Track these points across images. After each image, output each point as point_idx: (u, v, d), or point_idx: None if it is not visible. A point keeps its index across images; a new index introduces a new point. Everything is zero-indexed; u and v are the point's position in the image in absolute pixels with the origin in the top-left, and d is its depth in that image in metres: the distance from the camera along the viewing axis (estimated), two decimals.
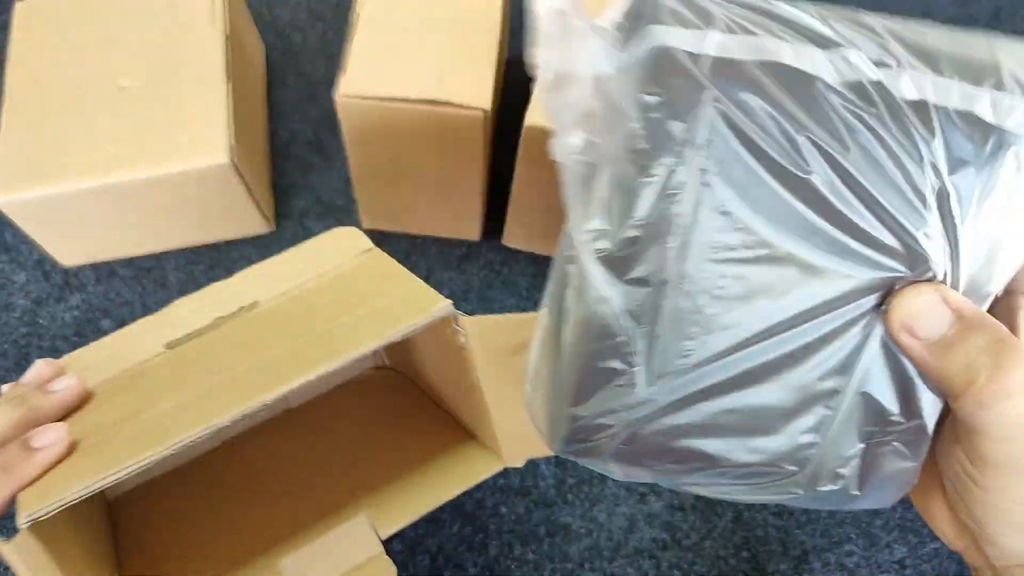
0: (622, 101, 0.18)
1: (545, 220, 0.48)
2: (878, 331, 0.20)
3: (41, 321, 0.50)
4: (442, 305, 0.28)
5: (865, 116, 0.19)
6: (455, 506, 0.46)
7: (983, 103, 0.20)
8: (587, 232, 0.19)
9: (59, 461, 0.24)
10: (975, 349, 0.19)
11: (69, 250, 0.49)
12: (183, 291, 0.51)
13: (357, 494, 0.32)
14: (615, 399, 0.21)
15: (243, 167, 0.45)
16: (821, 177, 0.19)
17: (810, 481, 0.22)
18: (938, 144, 0.19)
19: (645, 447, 0.22)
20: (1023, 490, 0.20)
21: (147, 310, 0.50)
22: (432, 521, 0.45)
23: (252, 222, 0.51)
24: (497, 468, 0.32)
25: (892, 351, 0.20)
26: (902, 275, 0.20)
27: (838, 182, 0.19)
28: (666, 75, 0.18)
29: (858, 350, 0.20)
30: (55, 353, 0.49)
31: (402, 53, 0.41)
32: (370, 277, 0.32)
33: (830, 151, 0.19)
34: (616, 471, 0.24)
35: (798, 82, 0.19)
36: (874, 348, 0.20)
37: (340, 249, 0.35)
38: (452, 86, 0.40)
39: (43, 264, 0.51)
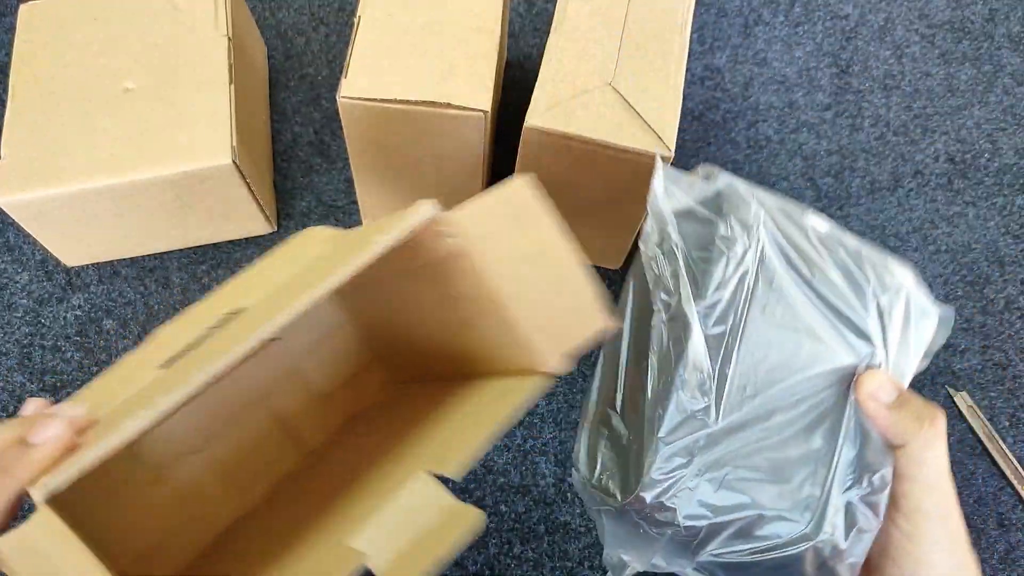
0: (708, 214, 0.30)
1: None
2: (850, 407, 0.29)
3: (44, 321, 0.50)
4: (424, 208, 0.25)
5: (837, 254, 0.30)
6: None
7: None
8: (698, 303, 0.28)
9: (61, 457, 0.22)
10: (915, 408, 0.28)
11: (72, 250, 0.49)
12: (186, 291, 0.51)
13: (402, 458, 0.29)
14: (695, 429, 0.28)
15: (245, 168, 0.46)
16: (818, 280, 0.29)
17: (812, 531, 0.29)
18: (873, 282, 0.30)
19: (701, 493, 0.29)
20: (945, 540, 0.28)
21: (149, 310, 0.50)
22: None
23: (254, 222, 0.51)
24: (544, 382, 0.27)
25: (860, 425, 0.29)
26: (862, 361, 0.29)
27: (824, 289, 0.29)
28: (735, 200, 0.30)
29: (838, 417, 0.29)
30: (57, 352, 0.49)
31: (403, 55, 0.41)
32: (348, 240, 0.30)
33: (812, 268, 0.29)
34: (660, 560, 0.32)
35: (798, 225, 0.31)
36: (849, 417, 0.29)
37: (314, 240, 0.33)
38: (452, 88, 0.40)
39: (46, 264, 0.51)
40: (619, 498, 0.31)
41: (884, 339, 0.29)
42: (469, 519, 0.22)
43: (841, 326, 0.29)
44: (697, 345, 0.28)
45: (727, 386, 0.28)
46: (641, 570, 0.34)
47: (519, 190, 0.26)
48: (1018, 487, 0.48)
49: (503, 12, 0.44)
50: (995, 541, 0.47)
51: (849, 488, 0.29)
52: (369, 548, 0.22)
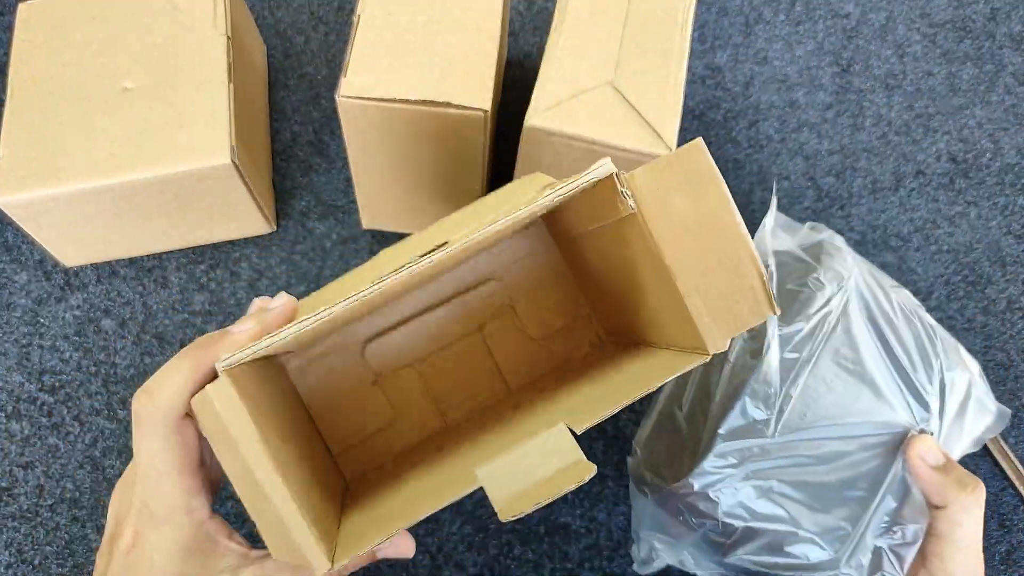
0: (807, 257, 0.33)
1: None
2: (898, 462, 0.31)
3: (42, 320, 0.50)
4: (602, 164, 0.26)
5: (914, 324, 0.33)
6: (455, 505, 0.46)
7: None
8: (781, 327, 0.31)
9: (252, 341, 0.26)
10: (959, 475, 0.30)
11: (70, 250, 0.49)
12: (184, 291, 0.51)
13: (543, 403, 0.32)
14: (751, 435, 0.31)
15: (244, 168, 0.45)
16: (892, 340, 0.32)
17: (838, 562, 0.31)
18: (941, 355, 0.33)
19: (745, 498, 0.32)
20: None
21: (148, 310, 0.50)
22: (432, 520, 0.45)
23: (253, 222, 0.51)
24: (701, 361, 0.26)
25: (904, 480, 0.31)
26: (916, 425, 0.31)
27: (897, 350, 0.32)
28: (833, 252, 0.33)
29: (885, 468, 0.31)
30: (56, 352, 0.49)
31: (403, 54, 0.41)
32: (542, 183, 0.31)
33: (890, 329, 0.32)
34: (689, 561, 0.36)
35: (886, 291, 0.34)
36: (896, 471, 0.31)
37: (526, 187, 0.34)
38: (452, 87, 0.40)
39: (44, 264, 0.51)
40: (669, 480, 0.34)
41: (941, 411, 0.32)
42: (581, 472, 0.24)
43: (904, 387, 0.32)
44: (772, 362, 0.31)
45: (789, 406, 0.31)
46: (668, 563, 0.37)
47: (694, 154, 0.26)
48: (1020, 488, 0.48)
49: (503, 11, 0.44)
50: (997, 542, 0.47)
51: (882, 535, 0.31)
52: (488, 479, 0.25)
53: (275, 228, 0.53)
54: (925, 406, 0.32)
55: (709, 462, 0.31)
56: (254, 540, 0.28)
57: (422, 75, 0.40)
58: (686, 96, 0.59)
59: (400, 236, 0.53)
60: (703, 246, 0.26)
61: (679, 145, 0.57)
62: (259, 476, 0.24)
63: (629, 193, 0.26)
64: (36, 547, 0.45)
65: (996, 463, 0.49)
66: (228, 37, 0.47)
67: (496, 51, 0.42)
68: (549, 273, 0.37)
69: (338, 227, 0.53)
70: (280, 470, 0.25)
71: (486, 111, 0.40)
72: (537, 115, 0.39)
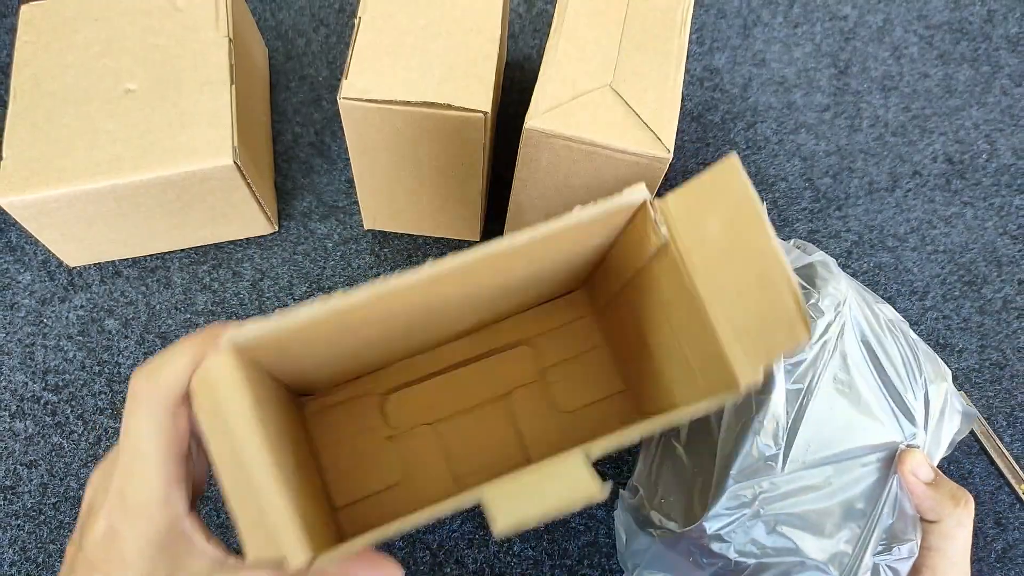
0: (800, 281, 0.33)
1: (544, 221, 0.48)
2: (892, 478, 0.31)
3: (46, 321, 0.50)
4: (636, 189, 0.24)
5: (900, 340, 0.33)
6: None
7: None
8: (784, 359, 0.31)
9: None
10: (950, 489, 0.31)
11: (74, 250, 0.50)
12: (187, 291, 0.51)
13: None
14: (762, 473, 0.31)
15: (246, 169, 0.46)
16: (883, 360, 0.32)
17: None
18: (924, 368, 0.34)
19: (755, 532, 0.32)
20: None
21: (151, 310, 0.51)
22: None
23: (255, 223, 0.51)
24: (733, 398, 0.25)
25: (898, 496, 0.32)
26: (905, 440, 0.32)
27: (888, 369, 0.32)
28: (826, 275, 0.33)
29: (880, 485, 0.31)
30: (59, 352, 0.49)
31: (403, 56, 0.41)
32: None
33: (881, 349, 0.32)
34: None
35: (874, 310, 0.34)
36: (891, 487, 0.31)
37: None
38: (453, 89, 0.40)
39: (48, 264, 0.52)
40: (680, 524, 0.33)
41: (926, 424, 0.33)
42: (588, 491, 0.22)
43: (894, 405, 0.32)
44: (779, 397, 0.31)
45: (796, 439, 0.31)
46: None
47: (728, 173, 0.24)
48: (1015, 486, 0.48)
49: (503, 13, 0.44)
50: (992, 540, 0.47)
51: (879, 552, 0.32)
52: (491, 495, 0.23)
53: (277, 229, 0.53)
54: (912, 420, 0.32)
55: (722, 504, 0.31)
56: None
57: (423, 77, 0.41)
58: (684, 98, 0.59)
59: (400, 236, 0.54)
60: (736, 270, 0.24)
61: (677, 147, 0.57)
62: (246, 456, 0.23)
63: (662, 219, 0.25)
64: (40, 545, 0.45)
65: (992, 461, 0.49)
66: (230, 39, 0.48)
67: (496, 53, 0.42)
68: (585, 344, 0.36)
69: (340, 227, 0.54)
70: (272, 455, 0.23)
71: (486, 113, 0.40)
72: (537, 117, 0.40)
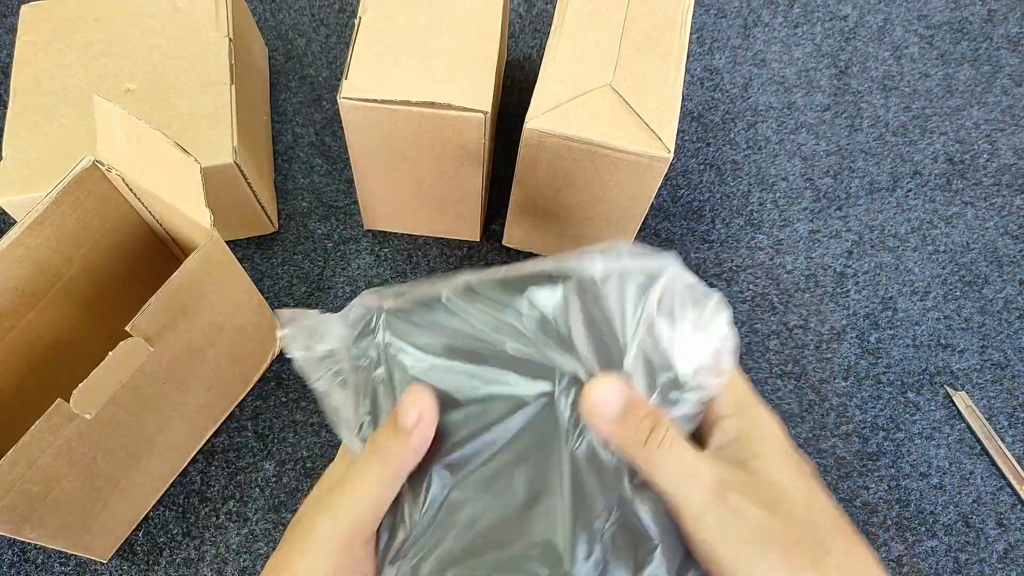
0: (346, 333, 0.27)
1: (544, 221, 0.49)
2: (562, 433, 0.24)
3: None
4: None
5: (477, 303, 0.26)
6: None
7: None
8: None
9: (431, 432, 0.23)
10: (637, 419, 0.23)
11: None
12: None
13: None
14: (393, 534, 0.26)
15: (247, 168, 0.46)
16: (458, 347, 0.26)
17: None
18: None
19: None
20: (711, 527, 0.22)
21: None
22: None
23: (255, 222, 0.51)
24: None
25: (589, 451, 0.24)
26: (560, 384, 0.24)
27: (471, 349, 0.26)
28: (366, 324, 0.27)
29: (549, 452, 0.24)
30: None
31: (403, 57, 0.41)
32: None
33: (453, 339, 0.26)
34: None
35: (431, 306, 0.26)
36: (561, 447, 0.24)
37: None
38: (453, 89, 0.40)
39: None
40: None
41: (594, 349, 0.24)
42: None
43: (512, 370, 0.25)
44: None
45: (424, 485, 0.24)
46: None
47: None
48: (1017, 487, 0.48)
49: (503, 13, 0.44)
50: (994, 540, 0.47)
51: (602, 528, 0.24)
52: None
53: (277, 228, 0.53)
54: (560, 359, 0.24)
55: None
56: None
57: (423, 77, 0.41)
58: (685, 98, 0.59)
59: (401, 236, 0.53)
60: None
61: (678, 147, 0.57)
62: None
63: None
64: (39, 547, 0.45)
65: (993, 462, 0.49)
66: (230, 39, 0.48)
67: (496, 53, 0.42)
68: None
69: (339, 227, 0.54)
70: None
71: (486, 112, 0.40)
72: (537, 116, 0.40)
